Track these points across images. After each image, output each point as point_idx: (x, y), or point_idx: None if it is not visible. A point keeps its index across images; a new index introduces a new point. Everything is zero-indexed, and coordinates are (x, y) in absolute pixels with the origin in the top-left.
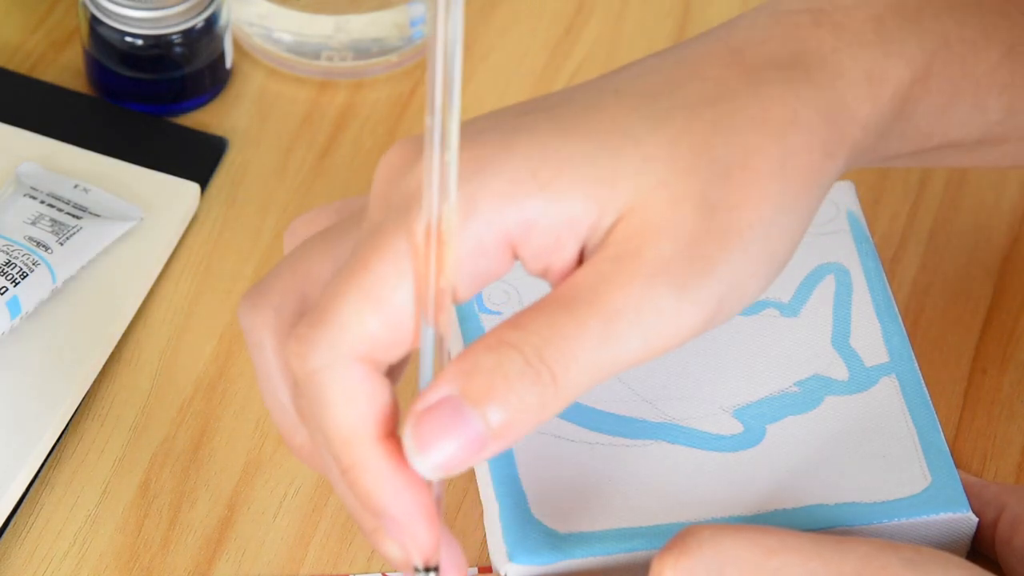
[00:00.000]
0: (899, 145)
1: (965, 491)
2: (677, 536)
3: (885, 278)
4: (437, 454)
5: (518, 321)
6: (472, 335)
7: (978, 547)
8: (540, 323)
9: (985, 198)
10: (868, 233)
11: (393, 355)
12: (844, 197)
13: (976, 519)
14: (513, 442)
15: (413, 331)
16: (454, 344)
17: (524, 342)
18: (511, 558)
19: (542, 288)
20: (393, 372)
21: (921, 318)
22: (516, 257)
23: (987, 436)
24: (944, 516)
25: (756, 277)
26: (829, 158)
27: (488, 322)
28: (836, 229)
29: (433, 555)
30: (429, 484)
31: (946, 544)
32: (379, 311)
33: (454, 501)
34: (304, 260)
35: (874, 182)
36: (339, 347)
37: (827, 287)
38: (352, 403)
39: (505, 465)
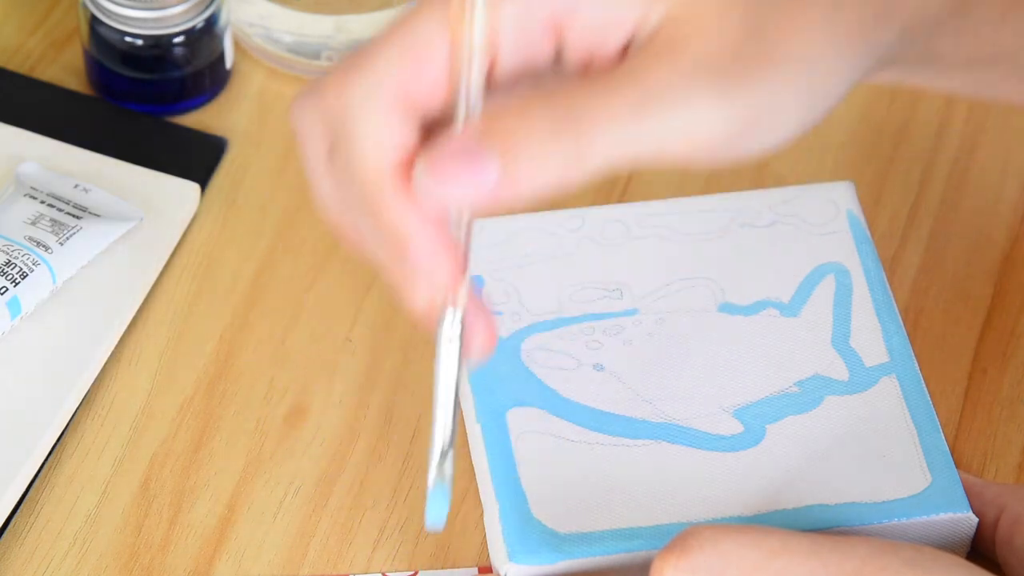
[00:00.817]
0: (953, 47)
1: (965, 491)
2: (678, 536)
3: (885, 278)
4: (446, 183)
5: (550, 90)
6: None
7: (978, 547)
8: (574, 90)
9: (985, 198)
10: (868, 233)
11: (428, 106)
12: (844, 197)
13: (976, 519)
14: (522, 197)
15: (448, 83)
16: None
17: (555, 102)
18: (511, 558)
19: (542, 289)
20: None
21: (921, 318)
22: (559, 44)
23: (987, 436)
24: (944, 516)
25: (794, 109)
26: (881, 18)
27: None
28: (836, 229)
29: (456, 291)
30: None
31: (946, 544)
32: (418, 63)
33: (454, 501)
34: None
35: (874, 182)
36: (376, 88)
37: (827, 287)
38: (384, 138)
39: (505, 465)
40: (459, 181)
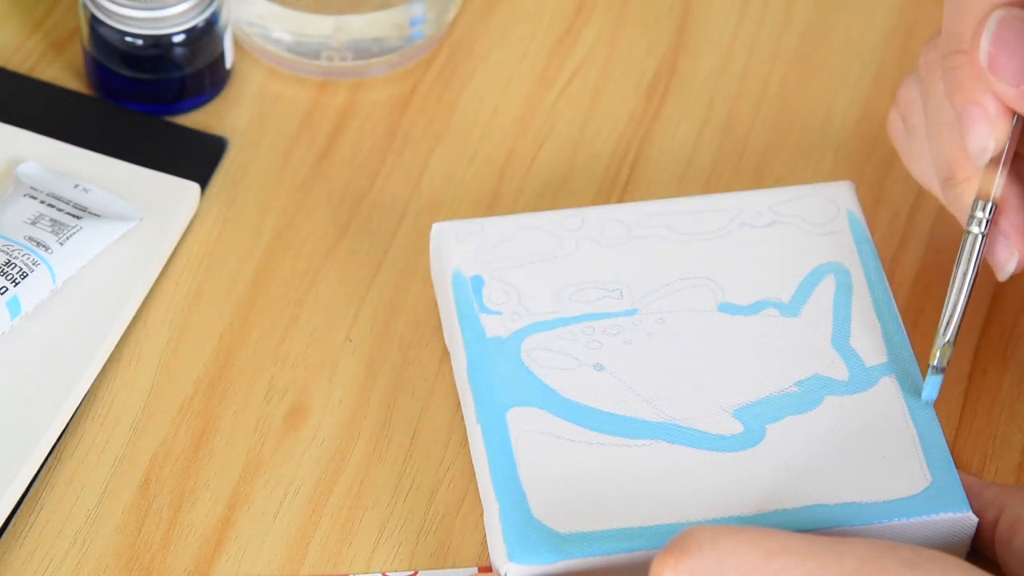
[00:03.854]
0: None
1: (965, 491)
2: (677, 537)
3: (885, 278)
4: None
5: None
6: (472, 335)
7: (977, 547)
8: None
9: None
10: (868, 233)
11: None
12: (844, 197)
13: (976, 519)
14: None
15: None
16: (454, 342)
17: None
18: (511, 558)
19: (542, 288)
20: None
21: (921, 318)
22: None
23: (987, 436)
24: (944, 516)
25: None
26: None
27: (488, 322)
28: (836, 229)
29: (991, 181)
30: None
31: (946, 544)
32: None
33: (454, 501)
34: None
35: (874, 182)
36: None
37: (827, 287)
38: None
39: (505, 465)
40: None
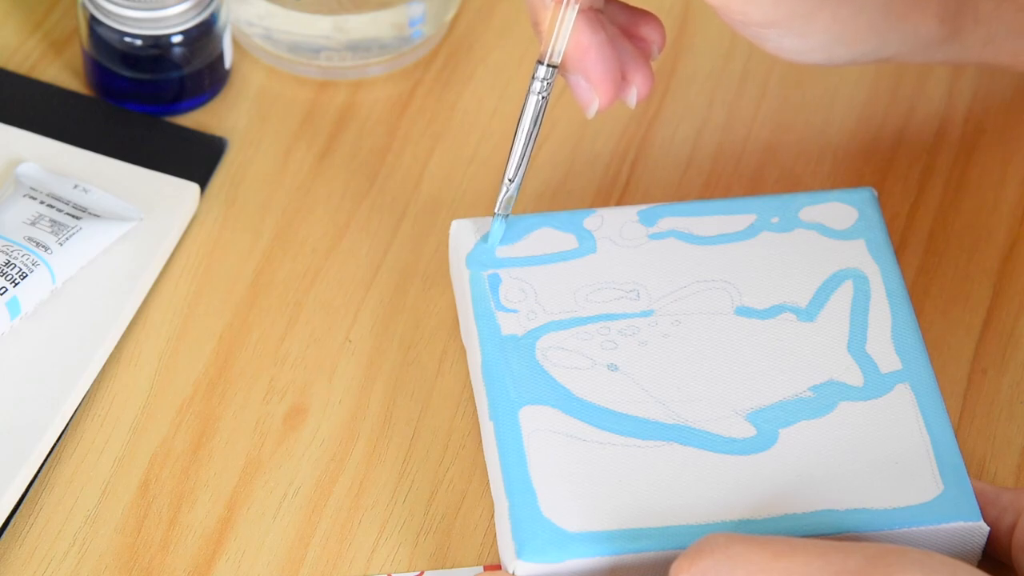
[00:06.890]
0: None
1: (981, 499)
2: (695, 542)
3: (904, 285)
4: None
5: None
6: (488, 333)
7: (993, 553)
8: None
9: (985, 198)
10: (889, 239)
11: None
12: (865, 203)
13: (987, 528)
14: None
15: None
16: (470, 339)
17: None
18: (519, 555)
19: (559, 287)
20: None
21: (921, 318)
22: None
23: (987, 436)
24: (955, 525)
25: (822, 33)
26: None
27: (504, 320)
28: (856, 235)
29: (547, 47)
30: None
31: (957, 553)
32: None
33: (453, 502)
34: None
35: (874, 182)
36: None
37: (845, 293)
38: None
39: (516, 463)
40: None
